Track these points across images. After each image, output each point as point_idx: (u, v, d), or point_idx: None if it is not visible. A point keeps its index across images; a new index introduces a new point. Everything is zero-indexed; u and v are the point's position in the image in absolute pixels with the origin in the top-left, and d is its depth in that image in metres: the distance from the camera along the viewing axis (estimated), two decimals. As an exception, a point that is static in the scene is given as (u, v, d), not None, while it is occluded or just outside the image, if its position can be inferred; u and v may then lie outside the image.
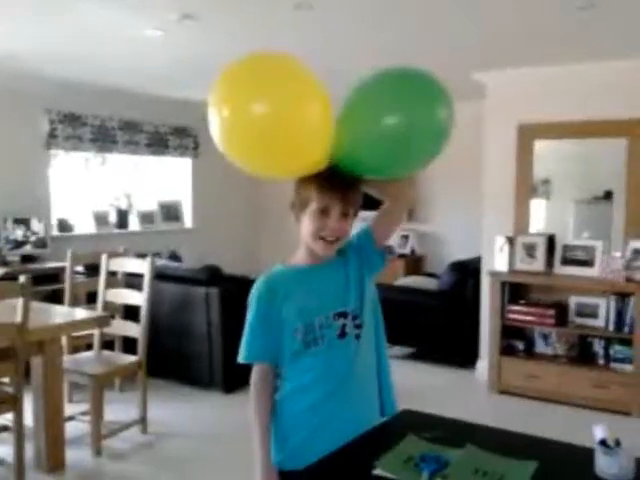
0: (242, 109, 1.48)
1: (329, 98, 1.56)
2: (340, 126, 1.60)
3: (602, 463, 1.46)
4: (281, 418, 1.74)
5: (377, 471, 1.51)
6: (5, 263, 5.29)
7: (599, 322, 4.60)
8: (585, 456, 1.53)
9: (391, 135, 1.55)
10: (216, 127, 1.53)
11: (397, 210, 1.81)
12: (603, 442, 1.48)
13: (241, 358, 1.73)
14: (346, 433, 1.67)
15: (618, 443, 1.47)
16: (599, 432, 1.50)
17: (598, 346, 4.65)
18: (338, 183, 1.64)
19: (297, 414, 1.72)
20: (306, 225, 1.67)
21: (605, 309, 4.57)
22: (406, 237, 7.29)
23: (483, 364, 5.12)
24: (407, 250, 7.26)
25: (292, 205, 1.73)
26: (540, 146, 5.04)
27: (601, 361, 4.60)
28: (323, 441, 1.63)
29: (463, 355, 5.48)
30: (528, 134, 5.01)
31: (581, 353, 4.73)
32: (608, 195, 4.96)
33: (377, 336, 1.84)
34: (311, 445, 1.65)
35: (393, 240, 7.30)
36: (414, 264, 7.20)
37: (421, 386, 5.02)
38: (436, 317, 5.56)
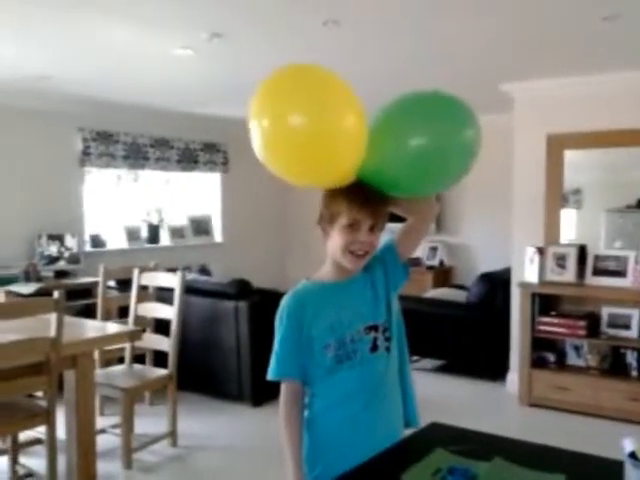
0: (281, 120, 1.54)
1: (363, 109, 1.61)
2: (369, 142, 1.62)
3: (632, 477, 1.44)
4: (314, 435, 1.74)
5: (404, 484, 1.51)
6: (39, 279, 5.40)
7: (632, 333, 4.52)
8: (614, 469, 1.51)
9: (419, 155, 1.58)
10: (256, 138, 1.60)
11: (421, 227, 1.82)
12: (632, 455, 1.46)
13: (271, 375, 1.72)
14: (378, 446, 1.67)
15: (648, 456, 1.45)
16: (628, 445, 1.48)
17: (631, 357, 4.57)
18: (367, 198, 1.65)
19: (330, 430, 1.72)
20: (335, 239, 1.68)
21: (638, 320, 4.49)
22: (435, 249, 7.27)
23: (513, 376, 5.06)
24: (436, 262, 7.23)
25: (320, 219, 1.73)
26: (570, 156, 5.00)
27: (634, 373, 4.52)
28: (357, 455, 1.62)
29: (493, 368, 5.42)
30: (557, 144, 4.98)
31: (613, 365, 4.65)
32: (640, 204, 4.90)
33: (400, 348, 1.84)
34: (345, 460, 1.62)
35: (421, 252, 7.29)
36: (443, 276, 7.17)
37: (450, 399, 4.99)
38: (465, 329, 5.52)
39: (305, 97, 1.54)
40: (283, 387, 1.74)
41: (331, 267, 1.75)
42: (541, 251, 4.85)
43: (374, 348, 1.71)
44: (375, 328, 1.72)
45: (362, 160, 1.62)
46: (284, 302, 1.74)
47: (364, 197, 1.64)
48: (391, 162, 1.63)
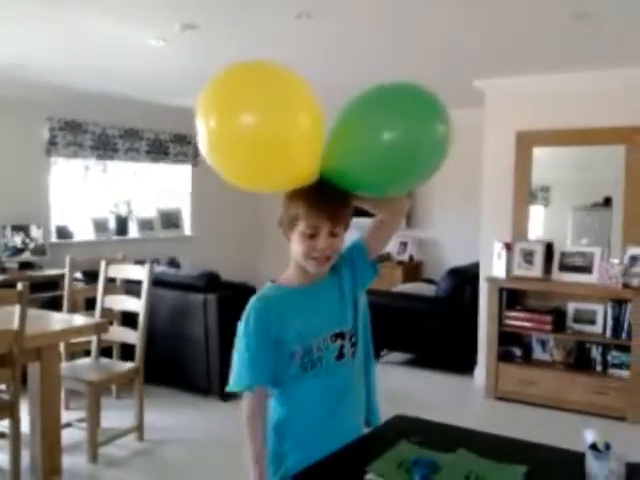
0: (229, 119, 1.45)
1: (320, 108, 1.53)
2: (333, 139, 1.56)
3: (592, 467, 1.47)
4: (278, 440, 1.69)
5: (369, 476, 1.51)
6: (3, 270, 5.30)
7: (597, 328, 4.60)
8: (576, 460, 1.53)
9: (387, 151, 1.51)
10: (203, 138, 1.49)
11: (392, 223, 1.79)
12: (593, 446, 1.48)
13: (238, 384, 1.63)
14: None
15: (608, 447, 1.47)
16: (589, 436, 1.51)
17: (595, 352, 4.65)
18: (327, 201, 1.57)
19: (295, 435, 1.68)
20: (295, 245, 1.62)
21: (603, 315, 4.57)
22: (405, 244, 7.30)
23: (481, 370, 5.12)
24: (405, 257, 7.27)
25: (280, 222, 1.67)
26: (539, 153, 5.06)
27: (598, 367, 4.61)
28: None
29: (461, 361, 5.48)
30: (526, 141, 5.03)
31: (578, 359, 4.73)
32: (607, 202, 4.97)
33: (366, 342, 1.82)
34: (309, 463, 1.60)
35: (392, 247, 7.32)
36: (413, 270, 7.21)
37: (418, 392, 5.03)
38: (434, 323, 5.56)
39: (257, 95, 1.44)
40: (250, 396, 1.64)
41: (295, 270, 1.68)
42: (509, 247, 4.90)
43: (340, 356, 1.68)
44: (342, 336, 1.68)
45: (320, 161, 1.55)
46: (250, 306, 1.66)
47: (323, 201, 1.57)
48: (356, 160, 1.56)
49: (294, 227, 1.61)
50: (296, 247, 1.62)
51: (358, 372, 1.76)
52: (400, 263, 7.16)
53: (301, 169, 1.55)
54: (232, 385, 1.63)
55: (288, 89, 1.49)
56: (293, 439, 1.69)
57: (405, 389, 5.06)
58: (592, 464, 1.47)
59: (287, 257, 1.72)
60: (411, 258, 7.29)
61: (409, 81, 1.62)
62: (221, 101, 1.48)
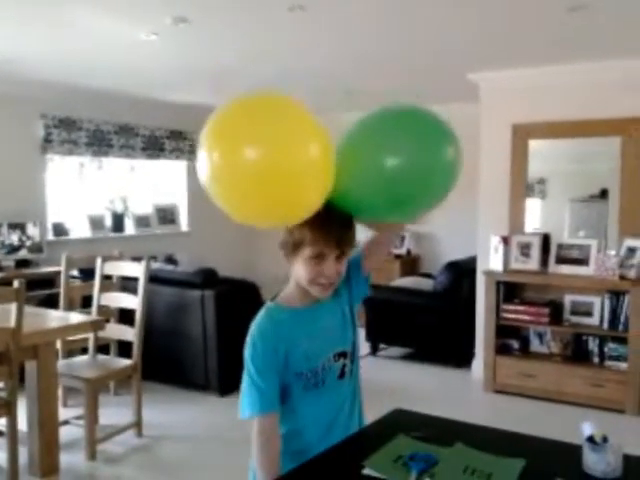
0: (234, 153, 1.38)
1: (328, 139, 1.45)
2: (339, 164, 1.49)
3: (590, 459, 1.47)
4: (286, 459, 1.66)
5: (366, 471, 1.51)
6: (0, 268, 5.29)
7: (594, 320, 4.61)
8: (573, 453, 1.53)
9: (394, 176, 1.44)
10: (206, 173, 1.44)
11: (390, 240, 1.79)
12: (590, 439, 1.48)
13: (253, 411, 1.57)
14: None
15: (605, 439, 1.47)
16: (587, 429, 1.51)
17: (593, 344, 4.65)
18: (334, 226, 1.52)
19: (290, 455, 1.64)
20: (300, 270, 1.58)
21: (600, 307, 4.57)
22: (402, 238, 7.30)
23: (478, 363, 5.12)
24: (403, 251, 7.26)
25: (282, 245, 1.61)
26: (535, 146, 5.06)
27: (596, 359, 4.61)
28: None
29: (459, 355, 5.48)
30: (522, 134, 5.02)
31: (576, 351, 4.73)
32: (604, 194, 4.97)
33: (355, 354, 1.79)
34: None
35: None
36: (410, 264, 7.21)
37: (417, 386, 5.03)
38: (432, 317, 5.56)
39: (263, 128, 1.36)
40: (262, 421, 1.58)
41: (297, 290, 1.64)
42: (506, 240, 4.90)
43: (342, 375, 1.68)
44: (344, 355, 1.68)
45: (329, 189, 1.48)
46: (257, 330, 1.61)
47: (330, 226, 1.51)
48: (363, 186, 1.49)
49: (299, 252, 1.56)
50: (301, 272, 1.58)
51: (354, 388, 1.76)
52: (398, 257, 7.16)
53: (309, 201, 1.47)
54: (244, 411, 1.59)
55: (295, 121, 1.42)
56: (288, 459, 1.64)
57: (403, 383, 5.06)
58: (589, 456, 1.47)
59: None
60: (409, 252, 7.29)
61: (413, 105, 1.56)
62: (226, 135, 1.41)
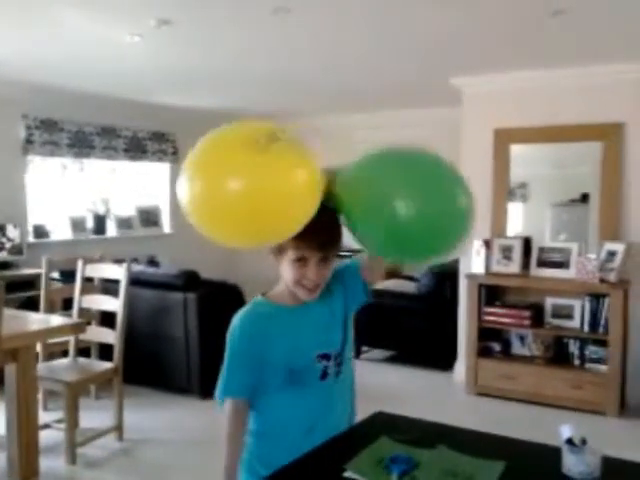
0: (216, 184, 1.37)
1: (313, 163, 1.44)
2: (346, 196, 1.47)
3: (569, 462, 1.48)
4: (256, 448, 1.73)
5: (347, 474, 1.51)
6: (-21, 270, 5.23)
7: (574, 323, 4.65)
8: (553, 455, 1.54)
9: (401, 224, 1.38)
10: (189, 201, 1.44)
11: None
12: (569, 441, 1.50)
13: (220, 394, 1.70)
14: None
15: (584, 442, 1.49)
16: (566, 431, 1.52)
17: (573, 347, 4.69)
18: (316, 230, 1.50)
19: (271, 448, 1.71)
20: (286, 271, 1.63)
21: (580, 310, 4.62)
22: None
23: (461, 366, 5.15)
24: (386, 254, 7.26)
25: (271, 247, 1.64)
26: (517, 150, 5.10)
27: (576, 361, 4.65)
28: None
29: (442, 357, 5.50)
30: (504, 139, 5.06)
31: (557, 354, 4.77)
32: (585, 198, 5.02)
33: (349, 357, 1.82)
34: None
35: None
36: (393, 267, 7.21)
37: (399, 389, 5.04)
38: (415, 320, 5.58)
39: (244, 158, 1.35)
40: (230, 405, 1.69)
41: (286, 290, 1.68)
42: (487, 243, 4.93)
43: (323, 376, 1.69)
44: (327, 357, 1.69)
45: (312, 212, 1.45)
46: (238, 320, 1.68)
47: (311, 230, 1.49)
48: (369, 227, 1.46)
49: (284, 254, 1.60)
50: (286, 273, 1.63)
51: (341, 390, 1.76)
52: (380, 260, 7.15)
53: (292, 226, 1.46)
54: (218, 394, 1.71)
55: (276, 149, 1.38)
56: (269, 452, 1.70)
57: (386, 386, 5.07)
58: (568, 458, 1.48)
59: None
60: (391, 255, 7.29)
61: (432, 153, 1.52)
62: (208, 166, 1.41)
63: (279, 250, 1.61)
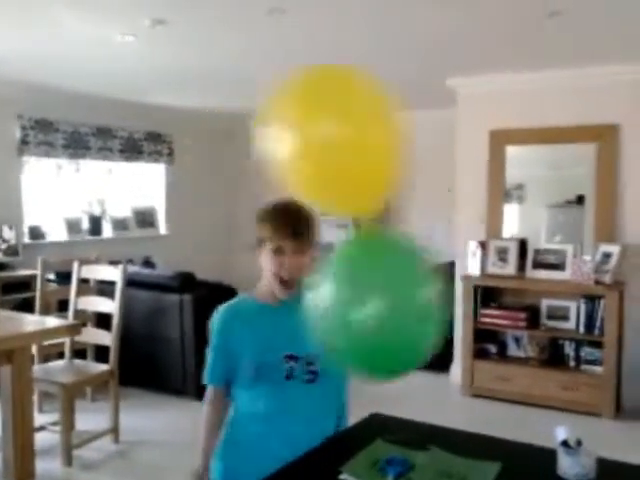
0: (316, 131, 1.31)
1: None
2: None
3: (564, 463, 1.48)
4: (226, 435, 1.82)
5: (343, 476, 1.51)
6: (-26, 271, 5.22)
7: (570, 325, 4.66)
8: (548, 457, 1.55)
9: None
10: (284, 152, 1.34)
11: None
12: (565, 443, 1.50)
13: (206, 380, 1.84)
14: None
15: (579, 443, 1.49)
16: (561, 433, 1.53)
17: (569, 348, 4.70)
18: (290, 222, 1.68)
19: (236, 438, 1.79)
20: (265, 263, 1.74)
21: (576, 312, 4.63)
22: (381, 242, 7.32)
23: (457, 368, 5.15)
24: (382, 255, 7.28)
25: (255, 246, 1.77)
26: (512, 151, 5.10)
27: (572, 363, 4.66)
28: (262, 466, 1.60)
29: (438, 359, 5.46)
30: (499, 140, 5.07)
31: (552, 355, 4.78)
32: (580, 199, 5.03)
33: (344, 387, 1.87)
34: (250, 465, 1.69)
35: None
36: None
37: (395, 390, 5.00)
38: (411, 321, 5.58)
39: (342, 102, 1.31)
40: (208, 391, 1.84)
41: (266, 288, 1.78)
42: (483, 245, 4.94)
43: (288, 377, 1.73)
44: (294, 358, 1.72)
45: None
46: (217, 313, 1.81)
47: (286, 222, 1.68)
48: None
49: (263, 247, 1.73)
50: (266, 265, 1.73)
51: (314, 397, 1.75)
52: (376, 261, 7.17)
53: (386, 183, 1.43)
54: (203, 379, 1.84)
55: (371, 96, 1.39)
56: (238, 440, 1.78)
57: (381, 387, 5.05)
58: (563, 460, 1.49)
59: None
60: (387, 256, 7.31)
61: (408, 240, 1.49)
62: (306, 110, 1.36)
63: (259, 243, 1.73)
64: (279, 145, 1.35)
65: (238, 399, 1.80)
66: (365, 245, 1.46)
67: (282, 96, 1.37)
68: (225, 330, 1.78)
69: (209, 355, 1.81)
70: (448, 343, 5.34)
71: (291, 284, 1.71)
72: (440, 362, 5.46)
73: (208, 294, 4.72)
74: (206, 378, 1.83)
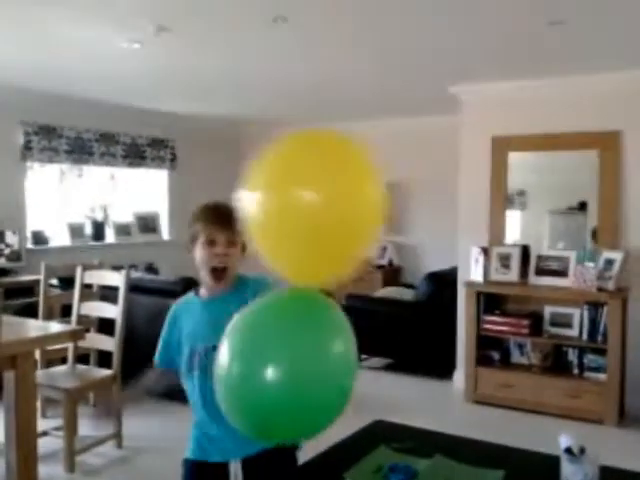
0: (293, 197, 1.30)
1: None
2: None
3: (567, 471, 1.48)
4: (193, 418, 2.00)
5: (347, 482, 1.51)
6: (-22, 277, 5.23)
7: (573, 332, 4.65)
8: (551, 464, 1.55)
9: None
10: (258, 218, 1.36)
11: None
12: (568, 450, 1.50)
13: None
14: (230, 455, 1.87)
15: (583, 451, 1.49)
16: (564, 440, 1.53)
17: (572, 355, 4.69)
18: (221, 216, 1.83)
19: (195, 422, 1.98)
20: (198, 256, 1.86)
21: (579, 319, 4.62)
22: (384, 248, 7.33)
23: (459, 374, 5.15)
24: (385, 261, 7.29)
25: (187, 243, 1.91)
26: (515, 158, 5.11)
27: (575, 370, 4.65)
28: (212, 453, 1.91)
29: (440, 366, 5.50)
30: (502, 146, 5.08)
31: (555, 362, 4.77)
32: (582, 206, 5.03)
33: None
34: (203, 449, 1.96)
35: (372, 251, 7.35)
36: (392, 275, 7.24)
37: (398, 397, 5.04)
38: (413, 328, 5.58)
39: (320, 169, 1.30)
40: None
41: (202, 285, 1.94)
42: (486, 251, 4.94)
43: (204, 368, 1.80)
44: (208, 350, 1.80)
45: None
46: (173, 305, 2.03)
47: (218, 216, 1.84)
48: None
49: (197, 240, 1.86)
50: (199, 258, 1.86)
51: None
52: (380, 267, 7.19)
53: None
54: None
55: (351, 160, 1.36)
56: (194, 425, 1.99)
57: (384, 394, 5.06)
58: (567, 468, 1.48)
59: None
60: (390, 263, 7.32)
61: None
62: (280, 177, 1.35)
63: (192, 239, 1.87)
64: (254, 208, 1.37)
65: (186, 389, 1.93)
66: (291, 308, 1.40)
67: (263, 161, 1.38)
68: (172, 320, 1.99)
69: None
70: (450, 349, 5.34)
71: (222, 275, 1.84)
72: (442, 368, 5.46)
73: (211, 300, 4.72)
74: (155, 361, 2.06)
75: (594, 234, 4.90)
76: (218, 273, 1.84)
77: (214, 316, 1.79)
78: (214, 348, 1.68)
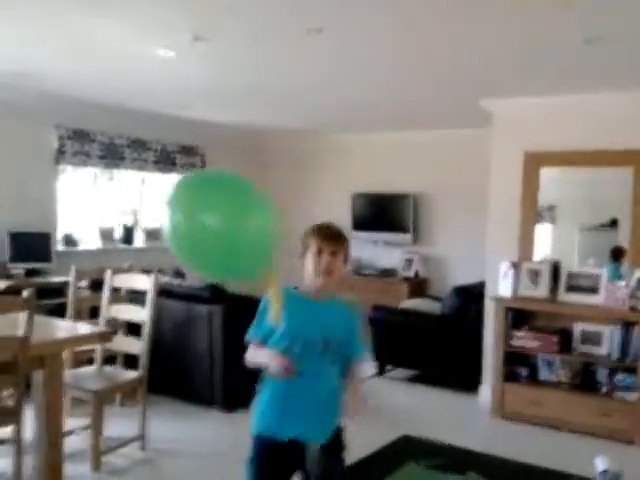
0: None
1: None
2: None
3: (603, 494, 1.45)
4: (265, 391, 2.25)
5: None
6: (9, 276, 5.30)
7: (603, 350, 4.57)
8: (586, 486, 1.51)
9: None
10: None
11: None
12: (604, 473, 1.47)
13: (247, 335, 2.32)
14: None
15: (619, 476, 1.46)
16: (601, 463, 1.49)
17: (602, 374, 4.61)
18: (328, 233, 2.27)
19: (275, 394, 2.22)
20: (309, 263, 2.24)
21: (609, 337, 4.54)
22: (410, 260, 7.29)
23: (486, 389, 5.08)
24: (411, 273, 7.26)
25: (300, 252, 2.28)
26: (546, 173, 5.05)
27: (604, 389, 4.56)
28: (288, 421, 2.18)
29: (466, 379, 5.44)
30: (534, 162, 5.02)
31: (585, 380, 4.69)
32: (614, 223, 4.96)
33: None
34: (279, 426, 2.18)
35: (397, 263, 7.35)
36: (418, 287, 7.20)
37: (423, 409, 4.98)
38: (439, 340, 5.54)
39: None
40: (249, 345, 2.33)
41: (307, 285, 2.28)
42: (515, 266, 4.88)
43: (323, 353, 2.19)
44: (326, 341, 2.20)
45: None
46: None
47: (325, 233, 2.26)
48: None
49: (308, 250, 2.25)
50: (309, 264, 2.24)
51: (328, 365, 2.23)
52: (406, 279, 7.15)
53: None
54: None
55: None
56: (264, 400, 2.24)
57: (409, 406, 5.02)
58: (603, 490, 1.45)
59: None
60: (416, 274, 7.27)
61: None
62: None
63: (304, 248, 2.25)
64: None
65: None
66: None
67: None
68: (262, 310, 2.25)
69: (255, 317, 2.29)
70: (476, 363, 5.28)
71: (327, 273, 2.20)
72: (467, 382, 5.40)
73: (237, 306, 4.74)
74: (247, 335, 2.30)
75: (615, 254, 4.85)
76: (324, 275, 2.21)
77: (315, 314, 2.25)
78: (324, 340, 2.19)
